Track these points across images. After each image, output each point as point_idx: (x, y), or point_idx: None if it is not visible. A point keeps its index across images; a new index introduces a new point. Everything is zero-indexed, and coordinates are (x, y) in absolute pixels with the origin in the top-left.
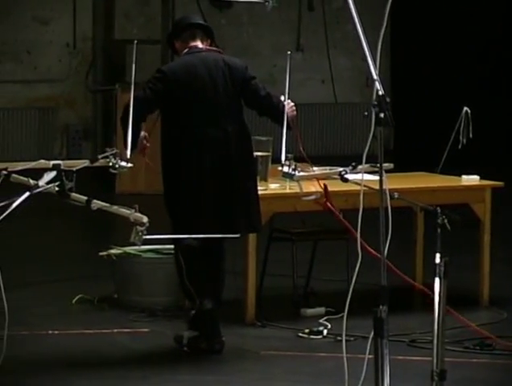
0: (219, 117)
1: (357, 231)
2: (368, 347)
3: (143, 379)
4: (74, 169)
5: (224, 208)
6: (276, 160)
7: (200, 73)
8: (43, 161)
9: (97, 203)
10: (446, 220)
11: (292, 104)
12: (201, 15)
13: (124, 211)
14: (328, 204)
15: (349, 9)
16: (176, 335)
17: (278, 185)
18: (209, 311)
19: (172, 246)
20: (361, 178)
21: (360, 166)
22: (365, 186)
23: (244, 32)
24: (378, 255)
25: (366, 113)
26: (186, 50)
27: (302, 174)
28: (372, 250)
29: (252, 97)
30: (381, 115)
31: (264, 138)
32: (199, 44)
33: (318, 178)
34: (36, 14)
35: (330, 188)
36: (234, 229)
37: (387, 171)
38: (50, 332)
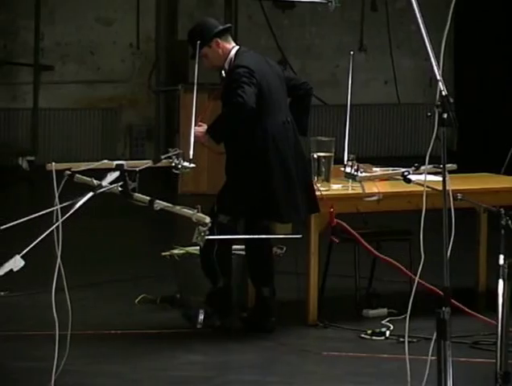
0: (283, 108)
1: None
2: (430, 349)
3: (207, 379)
4: (137, 169)
5: (302, 193)
6: (338, 160)
7: (266, 68)
8: (106, 161)
9: (159, 204)
10: (510, 221)
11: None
12: (265, 16)
13: (187, 211)
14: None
15: (413, 9)
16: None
17: (340, 185)
18: (228, 289)
19: (236, 246)
20: (424, 179)
21: (423, 167)
22: (428, 187)
23: (306, 32)
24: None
25: (429, 114)
26: (235, 48)
27: (364, 174)
28: (386, 257)
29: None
30: (445, 115)
31: (326, 139)
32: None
33: (380, 178)
34: (100, 15)
35: (393, 189)
36: (298, 216)
37: (450, 172)
38: (113, 332)
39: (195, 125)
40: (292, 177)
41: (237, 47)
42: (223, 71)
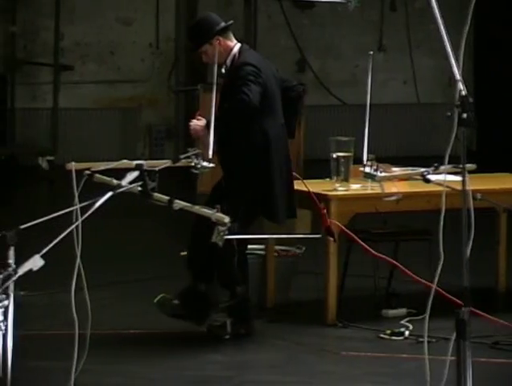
0: (280, 110)
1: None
2: (450, 349)
3: (226, 379)
4: (156, 169)
5: (290, 194)
6: (358, 160)
7: (268, 67)
8: (125, 161)
9: (179, 203)
10: None
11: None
12: (284, 16)
13: (206, 211)
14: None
15: (432, 9)
16: (216, 325)
17: (359, 185)
18: (247, 295)
19: (255, 246)
20: (444, 178)
21: (442, 167)
22: (447, 186)
23: (326, 32)
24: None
25: (449, 114)
26: (238, 45)
27: (384, 174)
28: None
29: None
30: (464, 115)
31: (346, 138)
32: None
33: (400, 178)
34: (119, 14)
35: (412, 189)
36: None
37: (470, 172)
38: (132, 332)
39: (209, 123)
40: (286, 179)
41: (240, 44)
42: (223, 68)
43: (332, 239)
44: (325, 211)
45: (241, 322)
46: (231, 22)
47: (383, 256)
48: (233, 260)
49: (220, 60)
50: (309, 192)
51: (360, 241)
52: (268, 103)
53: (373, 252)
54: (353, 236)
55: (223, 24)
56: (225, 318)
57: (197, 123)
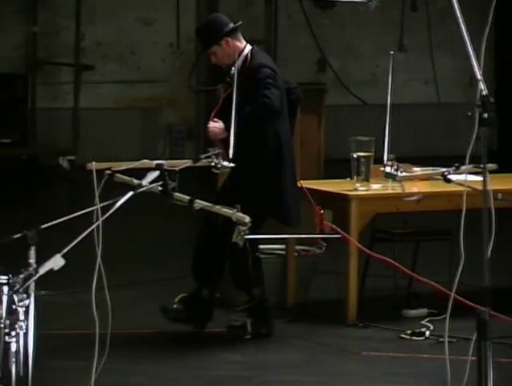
0: (287, 112)
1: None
2: (471, 349)
3: (246, 379)
4: (177, 168)
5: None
6: (378, 160)
7: (278, 69)
8: (146, 160)
9: (199, 203)
10: None
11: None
12: (305, 15)
13: (226, 210)
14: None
15: (453, 9)
16: (237, 325)
17: (380, 185)
18: (264, 296)
19: (275, 246)
20: (465, 178)
21: (463, 167)
22: (468, 186)
23: (347, 32)
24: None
25: (470, 114)
26: (248, 46)
27: (404, 174)
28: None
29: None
30: (485, 115)
31: (366, 138)
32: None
33: (420, 178)
34: (140, 14)
35: (433, 189)
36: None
37: (491, 172)
38: (153, 331)
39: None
40: (295, 179)
41: (250, 46)
42: (233, 69)
43: (324, 244)
44: (322, 212)
45: (262, 322)
46: (240, 22)
47: (381, 257)
48: (248, 262)
49: (229, 61)
50: (303, 189)
51: (356, 242)
52: (280, 103)
53: (370, 252)
54: (347, 236)
55: (232, 25)
56: (245, 318)
57: (215, 125)
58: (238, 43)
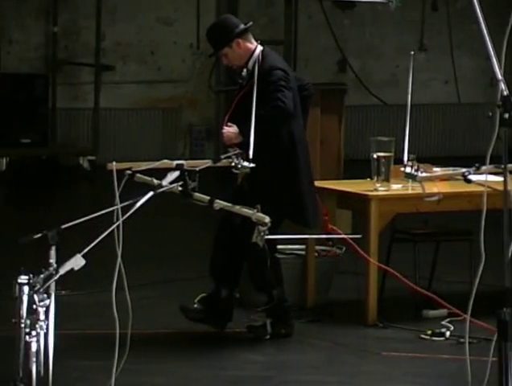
0: (300, 111)
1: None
2: (492, 350)
3: (267, 379)
4: (197, 169)
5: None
6: (398, 160)
7: (290, 69)
8: (166, 161)
9: (219, 203)
10: None
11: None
12: (325, 16)
13: (246, 211)
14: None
15: (474, 9)
16: (257, 325)
17: (400, 185)
18: (284, 296)
19: (295, 246)
20: (485, 179)
21: (483, 167)
22: (488, 187)
23: (367, 32)
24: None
25: (491, 114)
26: (259, 48)
27: (425, 174)
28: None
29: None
30: (506, 116)
31: (386, 139)
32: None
33: (441, 178)
34: (160, 15)
35: (453, 189)
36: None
37: (511, 172)
38: (173, 331)
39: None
40: (310, 179)
41: (261, 47)
42: (244, 70)
43: (330, 243)
44: (327, 217)
45: (281, 323)
46: (250, 23)
47: (370, 259)
48: (267, 262)
49: (240, 63)
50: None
51: (356, 247)
52: (293, 105)
53: (364, 254)
54: (351, 241)
55: (242, 26)
56: (264, 319)
57: (230, 130)
58: (249, 44)
